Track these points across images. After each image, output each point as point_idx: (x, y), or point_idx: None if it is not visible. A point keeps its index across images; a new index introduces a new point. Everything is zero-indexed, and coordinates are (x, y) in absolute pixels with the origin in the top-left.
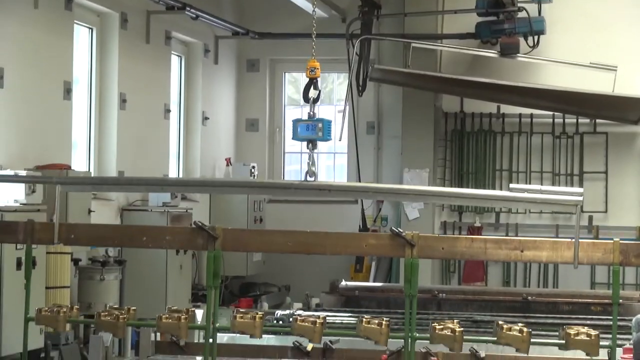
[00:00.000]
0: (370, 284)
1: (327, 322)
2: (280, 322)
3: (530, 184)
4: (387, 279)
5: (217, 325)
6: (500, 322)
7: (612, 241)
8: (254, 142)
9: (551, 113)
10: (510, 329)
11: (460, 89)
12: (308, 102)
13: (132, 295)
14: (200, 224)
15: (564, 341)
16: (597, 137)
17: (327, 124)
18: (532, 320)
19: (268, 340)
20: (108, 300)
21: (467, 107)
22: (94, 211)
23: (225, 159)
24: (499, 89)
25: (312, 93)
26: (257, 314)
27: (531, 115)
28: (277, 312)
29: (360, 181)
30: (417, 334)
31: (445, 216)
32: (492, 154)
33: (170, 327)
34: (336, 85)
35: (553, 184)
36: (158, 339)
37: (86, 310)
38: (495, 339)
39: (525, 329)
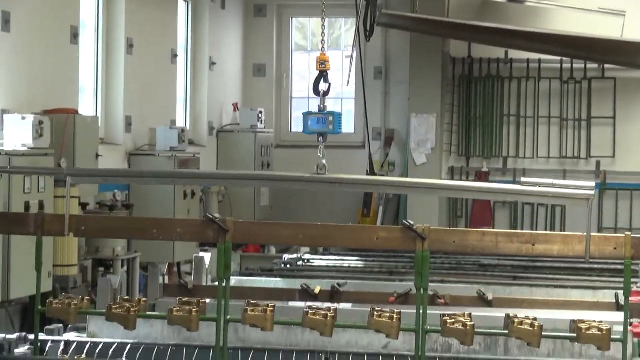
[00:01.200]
0: None
1: (336, 267)
2: (288, 266)
3: (538, 128)
4: (395, 223)
5: (229, 317)
6: (510, 315)
7: (624, 235)
8: (261, 87)
9: (559, 58)
10: (521, 323)
11: (468, 34)
12: (318, 95)
13: (139, 240)
14: (211, 216)
15: (575, 334)
16: (605, 82)
17: (337, 117)
18: (539, 265)
19: (276, 282)
20: (116, 245)
21: (475, 52)
22: (101, 155)
23: (233, 105)
24: (507, 34)
25: (323, 86)
26: (267, 307)
27: (539, 61)
28: (284, 256)
29: (367, 127)
30: (428, 327)
31: (452, 161)
32: (499, 99)
33: (182, 320)
34: (344, 31)
35: (561, 128)
36: (166, 281)
37: (94, 254)
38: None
39: (536, 324)
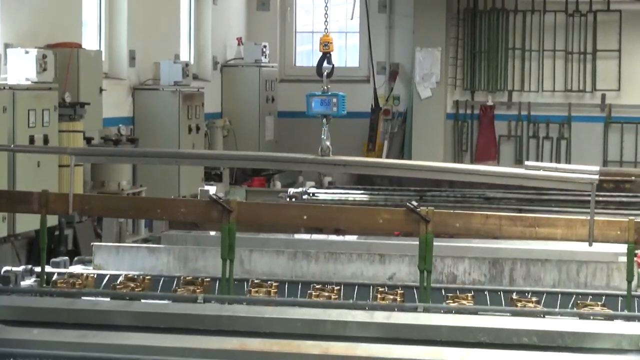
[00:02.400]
0: None
1: (341, 200)
2: (294, 200)
3: (543, 62)
4: (400, 157)
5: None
6: (513, 297)
7: (627, 220)
8: (265, 21)
9: None
10: (525, 305)
11: None
12: (321, 77)
13: (145, 173)
14: (215, 197)
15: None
16: (611, 15)
17: (341, 99)
18: (545, 197)
19: None
20: (121, 179)
21: None
22: (105, 90)
23: (237, 39)
24: None
25: (326, 67)
26: (271, 286)
27: None
28: (289, 190)
29: (372, 60)
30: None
31: (457, 95)
32: (504, 32)
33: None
34: None
35: (566, 62)
36: None
37: (99, 188)
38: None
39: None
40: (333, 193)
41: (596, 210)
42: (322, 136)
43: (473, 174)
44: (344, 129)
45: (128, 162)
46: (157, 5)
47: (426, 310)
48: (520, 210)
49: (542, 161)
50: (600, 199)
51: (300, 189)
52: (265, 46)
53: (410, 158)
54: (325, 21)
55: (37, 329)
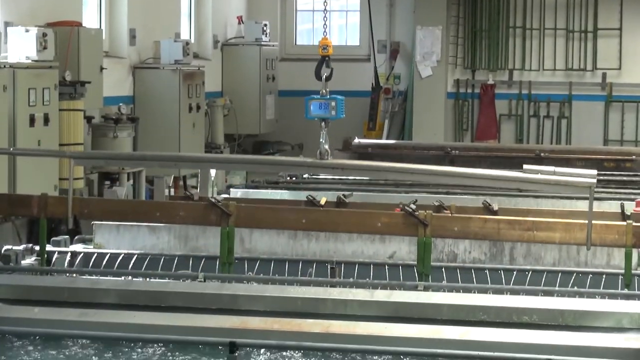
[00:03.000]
0: (383, 141)
1: (341, 179)
2: (294, 179)
3: (544, 40)
4: (400, 137)
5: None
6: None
7: (625, 223)
8: (266, 0)
9: None
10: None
11: None
12: (320, 80)
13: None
14: (214, 200)
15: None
16: None
17: (340, 102)
18: None
19: (282, 194)
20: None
21: None
22: (105, 69)
23: (237, 17)
24: None
25: (325, 71)
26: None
27: None
28: None
29: (372, 39)
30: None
31: (458, 74)
32: (505, 11)
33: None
34: None
35: (567, 40)
36: (172, 194)
37: (100, 168)
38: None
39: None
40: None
41: (597, 189)
42: (321, 140)
43: (471, 178)
44: (345, 108)
45: (128, 166)
46: None
47: (426, 288)
48: (520, 190)
49: (542, 142)
50: (601, 178)
51: None
52: (265, 25)
53: (410, 137)
54: (325, 24)
55: (37, 307)
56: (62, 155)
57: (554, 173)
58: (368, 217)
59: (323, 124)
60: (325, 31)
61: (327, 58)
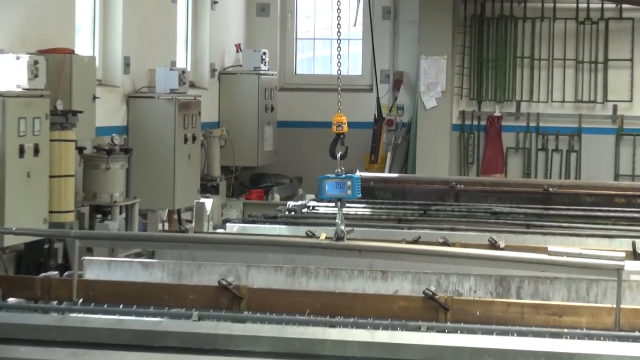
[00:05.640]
0: (386, 174)
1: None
2: (293, 213)
3: (552, 71)
4: (403, 170)
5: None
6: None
7: None
8: (265, 27)
9: None
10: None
11: None
12: (335, 159)
13: (139, 185)
14: (225, 283)
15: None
16: (623, 23)
17: (356, 182)
18: (553, 212)
19: (280, 230)
20: (114, 190)
21: None
22: (99, 98)
23: (235, 45)
24: None
25: (340, 149)
26: None
27: (554, 0)
28: (289, 203)
29: (375, 69)
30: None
31: (464, 105)
32: (513, 40)
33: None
34: None
35: (576, 71)
36: (166, 228)
37: (91, 200)
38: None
39: None
40: (334, 207)
41: (607, 226)
42: (337, 220)
43: (495, 260)
44: (346, 140)
45: (135, 247)
46: (153, 11)
47: (430, 329)
48: (528, 226)
49: (551, 175)
50: (612, 214)
51: (300, 202)
52: (264, 53)
53: (414, 171)
54: (339, 101)
55: (25, 347)
56: (66, 236)
57: (580, 255)
58: (385, 300)
59: (339, 203)
60: (339, 109)
61: (342, 136)
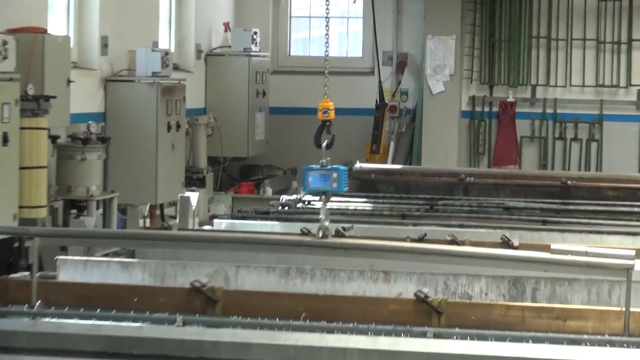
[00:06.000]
0: (388, 166)
1: (340, 209)
2: (286, 209)
3: (571, 53)
4: (408, 161)
5: None
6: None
7: None
8: (256, 5)
9: None
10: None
11: None
12: (320, 148)
13: (118, 177)
14: (198, 284)
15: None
16: None
17: (342, 173)
18: (572, 207)
19: (273, 227)
20: (90, 183)
21: None
22: (73, 82)
23: (224, 24)
24: None
25: (325, 137)
26: None
27: None
28: (282, 197)
29: (377, 50)
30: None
31: (474, 90)
32: (528, 18)
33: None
34: None
35: (597, 53)
36: (147, 225)
37: (66, 194)
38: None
39: None
40: (331, 201)
41: (630, 223)
42: (321, 216)
43: (497, 259)
44: (345, 128)
45: (102, 246)
46: None
47: (437, 335)
48: (544, 222)
49: (569, 168)
50: (636, 209)
51: (294, 197)
52: (255, 33)
53: (419, 162)
54: (325, 84)
55: None
56: (25, 234)
57: (586, 254)
58: (374, 303)
59: (324, 197)
60: (326, 92)
61: (328, 123)
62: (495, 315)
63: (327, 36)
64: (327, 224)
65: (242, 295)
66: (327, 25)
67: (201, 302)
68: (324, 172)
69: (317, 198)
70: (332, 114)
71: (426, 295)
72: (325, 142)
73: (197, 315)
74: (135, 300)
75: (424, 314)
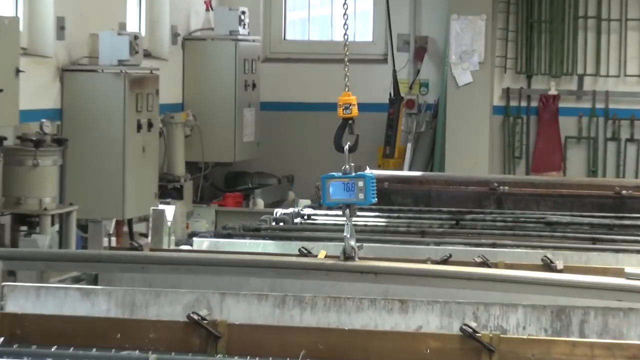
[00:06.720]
0: (405, 173)
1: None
2: (281, 225)
3: (626, 36)
4: (429, 167)
5: None
6: None
7: None
8: None
9: None
10: None
11: None
12: (341, 152)
13: (77, 187)
14: (196, 317)
15: None
16: None
17: (369, 182)
18: (628, 222)
19: (265, 246)
20: (44, 194)
21: None
22: (23, 71)
23: (205, 2)
24: None
25: (348, 139)
26: None
27: None
28: (276, 210)
29: (390, 33)
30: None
31: (508, 81)
32: None
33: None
34: None
35: None
36: (113, 244)
37: (14, 208)
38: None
39: None
40: (336, 215)
41: None
42: (345, 234)
43: (551, 285)
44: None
45: (76, 270)
46: None
47: None
48: (594, 241)
49: (624, 173)
50: None
51: (290, 210)
52: (243, 12)
53: (442, 168)
54: (346, 75)
55: None
56: None
57: None
58: (411, 339)
59: (348, 212)
60: (346, 85)
61: (350, 121)
62: (559, 354)
63: (345, 16)
64: (352, 243)
65: (248, 329)
66: (345, 3)
67: (201, 339)
68: (348, 180)
69: (320, 212)
70: (354, 110)
71: (474, 330)
72: (348, 143)
73: (194, 355)
74: (119, 336)
75: (472, 353)
